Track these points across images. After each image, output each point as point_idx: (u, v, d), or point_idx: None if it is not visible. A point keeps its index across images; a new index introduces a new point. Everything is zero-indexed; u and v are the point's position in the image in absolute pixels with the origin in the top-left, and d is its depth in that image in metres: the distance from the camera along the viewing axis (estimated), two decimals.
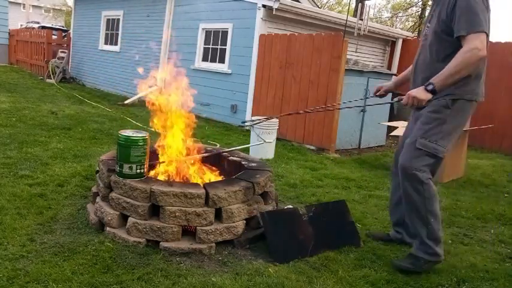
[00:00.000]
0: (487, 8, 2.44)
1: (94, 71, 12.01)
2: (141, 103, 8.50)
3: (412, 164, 2.58)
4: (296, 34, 7.00)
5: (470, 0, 2.39)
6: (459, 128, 2.63)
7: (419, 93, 2.48)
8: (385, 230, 3.28)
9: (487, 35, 2.40)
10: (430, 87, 2.45)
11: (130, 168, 2.77)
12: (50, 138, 5.35)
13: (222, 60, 8.23)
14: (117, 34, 11.12)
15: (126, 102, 9.19)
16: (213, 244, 2.70)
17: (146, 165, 2.86)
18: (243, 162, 3.40)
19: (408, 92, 2.55)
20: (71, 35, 13.24)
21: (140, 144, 2.76)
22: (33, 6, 38.25)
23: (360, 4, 8.74)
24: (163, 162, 3.20)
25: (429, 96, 2.46)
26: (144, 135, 2.81)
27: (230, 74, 8.01)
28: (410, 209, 2.66)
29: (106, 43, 11.66)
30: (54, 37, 13.69)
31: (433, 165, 2.59)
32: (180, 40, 9.16)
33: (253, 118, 5.93)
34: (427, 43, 2.65)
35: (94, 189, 3.20)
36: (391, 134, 6.04)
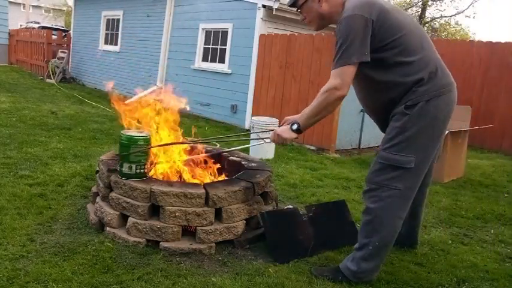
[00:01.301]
0: (376, 25, 2.17)
1: (94, 71, 12.01)
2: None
3: (372, 178, 2.37)
4: (296, 34, 7.00)
5: (343, 29, 2.17)
6: (430, 130, 2.29)
7: (284, 131, 2.43)
8: None
9: (361, 63, 2.19)
10: (294, 127, 2.38)
11: (130, 168, 2.76)
12: (50, 138, 5.35)
13: (222, 60, 8.23)
14: (117, 34, 11.13)
15: (126, 102, 9.19)
16: (213, 244, 2.70)
17: (147, 166, 2.86)
18: (243, 162, 3.40)
19: (274, 129, 2.51)
20: (71, 35, 13.24)
21: (140, 144, 2.75)
22: (33, 6, 38.25)
23: None
24: (161, 162, 3.20)
25: (293, 135, 2.40)
26: (146, 135, 2.81)
27: (230, 74, 8.01)
28: (364, 222, 2.40)
29: (106, 43, 11.66)
30: (54, 37, 13.69)
31: (402, 177, 2.28)
32: (180, 40, 9.16)
33: (254, 119, 5.91)
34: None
35: (94, 189, 3.20)
36: None
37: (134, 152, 2.73)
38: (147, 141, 2.79)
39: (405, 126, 2.26)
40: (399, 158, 2.27)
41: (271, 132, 2.53)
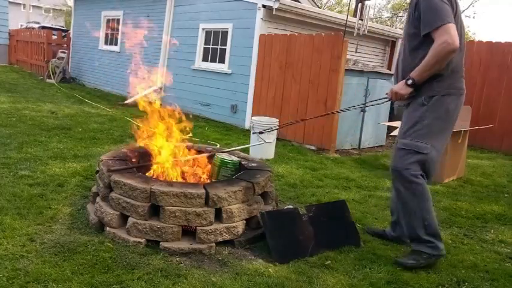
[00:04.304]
0: (451, 3, 2.52)
1: (94, 71, 12.01)
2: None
3: (398, 164, 2.68)
4: (296, 34, 7.00)
5: (429, 0, 2.50)
6: (441, 122, 2.64)
7: (400, 87, 2.64)
8: (384, 229, 3.28)
9: (455, 25, 2.48)
10: (409, 82, 2.59)
11: None
12: (50, 138, 5.35)
13: (222, 60, 8.23)
14: (117, 34, 11.13)
15: (126, 102, 9.20)
16: (213, 244, 2.70)
17: None
18: (243, 162, 3.40)
19: (391, 88, 2.72)
20: (71, 35, 13.24)
21: (229, 166, 3.19)
22: (33, 6, 38.24)
23: (360, 4, 8.74)
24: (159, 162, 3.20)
25: (409, 89, 2.61)
26: (236, 160, 3.26)
27: (230, 74, 8.01)
28: (405, 209, 2.73)
29: (106, 43, 11.66)
30: (54, 37, 13.69)
31: (420, 162, 2.63)
32: (180, 40, 9.16)
33: (254, 119, 5.91)
34: (403, 43, 2.81)
35: (94, 189, 3.20)
36: (391, 134, 6.04)
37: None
38: (236, 165, 3.23)
39: (423, 116, 2.60)
40: (418, 143, 2.60)
41: (388, 91, 2.75)
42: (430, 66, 2.52)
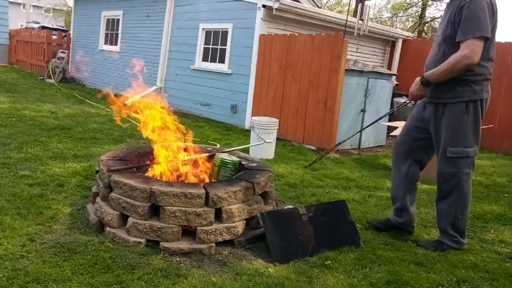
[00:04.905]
0: (494, 12, 2.65)
1: (94, 71, 12.01)
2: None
3: (450, 170, 2.88)
4: (296, 34, 7.00)
5: (475, 7, 2.58)
6: (479, 124, 2.85)
7: (417, 89, 2.87)
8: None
9: (487, 39, 2.62)
10: (424, 82, 2.81)
11: None
12: (50, 138, 5.35)
13: (222, 60, 8.23)
14: (117, 34, 11.13)
15: (126, 102, 9.19)
16: (213, 244, 2.70)
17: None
18: (243, 162, 3.40)
19: (410, 91, 2.92)
20: (71, 35, 13.24)
21: (229, 167, 3.18)
22: (33, 6, 38.22)
23: (360, 4, 8.74)
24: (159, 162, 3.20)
25: (425, 90, 2.85)
26: (236, 160, 3.25)
27: (230, 74, 8.01)
28: (445, 206, 2.97)
29: (106, 43, 11.66)
30: (54, 37, 13.68)
31: (469, 164, 2.88)
32: (180, 40, 9.16)
33: (254, 119, 5.91)
34: (437, 42, 2.88)
35: (94, 189, 3.20)
36: (391, 134, 6.03)
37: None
38: (236, 165, 3.23)
39: (466, 123, 2.79)
40: (466, 149, 2.83)
41: (409, 94, 2.98)
42: (445, 72, 2.70)
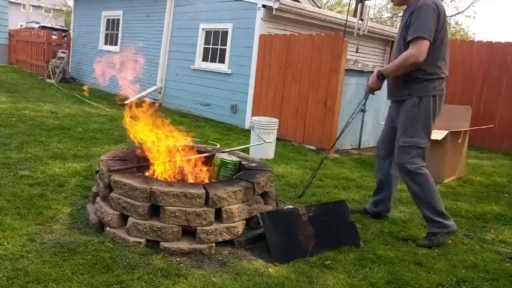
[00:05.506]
0: (440, 17, 2.92)
1: (94, 71, 12.00)
2: (141, 103, 8.48)
3: (402, 160, 3.13)
4: (296, 34, 7.00)
5: (423, 12, 2.89)
6: (429, 119, 3.09)
7: (373, 82, 3.19)
8: (384, 229, 3.31)
9: (431, 41, 2.90)
10: (380, 76, 3.13)
11: None
12: (50, 138, 5.35)
13: (222, 60, 8.23)
14: (117, 34, 11.13)
15: (126, 102, 9.19)
16: (213, 244, 2.70)
17: None
18: (243, 162, 3.40)
19: (368, 83, 3.27)
20: (71, 35, 13.24)
21: (229, 167, 3.18)
22: (33, 6, 38.21)
23: (360, 4, 8.73)
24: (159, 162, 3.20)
25: (381, 83, 3.19)
26: (236, 160, 3.26)
27: (230, 74, 8.01)
28: (414, 196, 3.19)
29: (106, 43, 11.66)
30: (54, 37, 13.68)
31: (421, 153, 3.10)
32: (180, 40, 9.16)
33: (254, 119, 5.91)
34: (397, 43, 3.21)
35: (94, 189, 3.20)
36: None
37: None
38: (236, 165, 3.24)
39: (417, 116, 3.05)
40: (416, 139, 3.06)
41: (366, 87, 3.32)
42: (396, 68, 3.03)
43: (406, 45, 2.99)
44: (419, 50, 2.88)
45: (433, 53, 2.96)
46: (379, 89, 3.25)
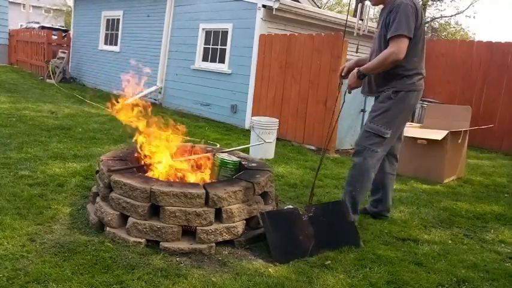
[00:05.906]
0: (417, 15, 2.97)
1: (94, 71, 12.01)
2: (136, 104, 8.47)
3: (362, 143, 3.21)
4: (296, 34, 7.00)
5: (401, 10, 2.93)
6: (402, 114, 3.20)
7: (353, 80, 3.22)
8: (384, 229, 3.30)
9: (410, 39, 2.95)
10: (360, 74, 3.14)
11: None
12: (50, 138, 5.35)
13: (222, 60, 8.23)
14: (117, 34, 11.13)
15: (126, 102, 9.19)
16: (213, 244, 2.70)
17: None
18: (243, 162, 3.40)
19: (348, 82, 3.30)
20: (71, 35, 13.24)
21: (229, 167, 3.19)
22: (33, 6, 38.23)
23: (359, 4, 8.74)
24: (159, 162, 3.20)
25: (360, 82, 3.22)
26: (236, 160, 3.27)
27: (230, 74, 8.01)
28: (349, 176, 3.29)
29: (106, 43, 11.66)
30: (54, 37, 13.68)
31: (380, 143, 3.16)
32: (180, 40, 9.16)
33: (254, 119, 5.91)
34: (376, 40, 3.24)
35: (94, 189, 3.20)
36: None
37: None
38: (236, 165, 3.24)
39: (389, 107, 3.13)
40: (382, 129, 3.13)
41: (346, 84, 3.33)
42: (376, 66, 3.05)
43: (386, 43, 3.03)
44: (399, 48, 2.93)
45: (411, 49, 3.01)
46: (359, 87, 3.32)
